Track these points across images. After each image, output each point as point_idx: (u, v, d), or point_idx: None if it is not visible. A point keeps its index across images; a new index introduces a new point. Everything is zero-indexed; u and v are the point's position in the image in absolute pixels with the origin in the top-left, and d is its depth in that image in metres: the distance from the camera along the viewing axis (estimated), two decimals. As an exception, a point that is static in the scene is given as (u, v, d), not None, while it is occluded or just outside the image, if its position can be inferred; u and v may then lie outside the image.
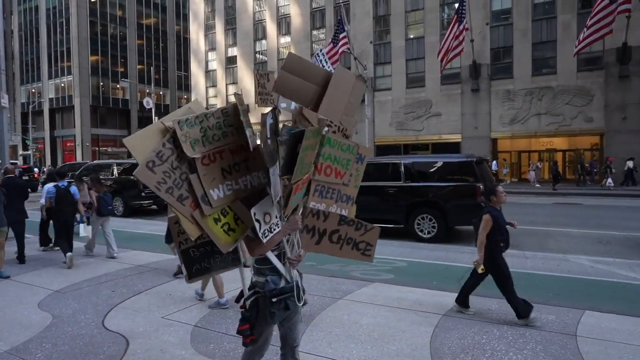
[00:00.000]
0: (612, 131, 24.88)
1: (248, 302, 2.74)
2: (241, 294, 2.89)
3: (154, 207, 15.53)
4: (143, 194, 14.36)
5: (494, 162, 27.21)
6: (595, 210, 14.54)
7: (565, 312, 4.95)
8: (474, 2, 27.32)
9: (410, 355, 3.95)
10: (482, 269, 4.80)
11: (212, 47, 42.52)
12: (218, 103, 41.01)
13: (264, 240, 2.50)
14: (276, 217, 2.57)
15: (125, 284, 6.39)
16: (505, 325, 4.62)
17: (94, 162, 19.13)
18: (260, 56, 39.20)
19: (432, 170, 9.83)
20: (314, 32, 36.26)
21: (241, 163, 2.56)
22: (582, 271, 6.94)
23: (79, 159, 49.84)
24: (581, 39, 20.84)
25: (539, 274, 6.88)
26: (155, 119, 41.46)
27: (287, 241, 2.71)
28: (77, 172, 16.24)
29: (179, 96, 64.52)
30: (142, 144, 2.41)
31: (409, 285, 6.09)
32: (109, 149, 55.78)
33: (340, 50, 25.32)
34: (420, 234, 9.61)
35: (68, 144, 55.65)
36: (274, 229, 2.55)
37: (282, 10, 37.88)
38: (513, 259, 7.88)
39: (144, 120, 56.73)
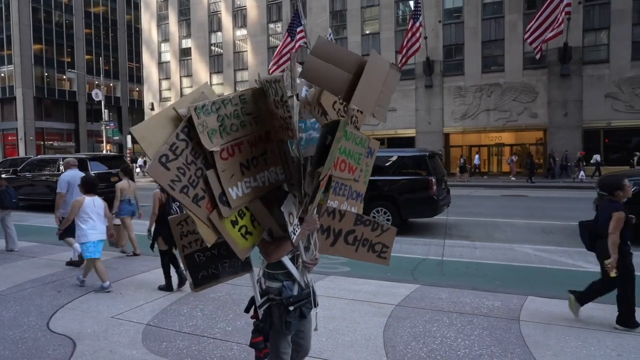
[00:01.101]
0: (555, 127, 26.29)
1: (261, 311, 2.50)
2: (251, 302, 2.67)
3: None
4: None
5: (477, 156, 28.19)
6: (541, 202, 15.34)
7: (510, 299, 5.20)
8: (427, 0, 27.96)
9: (364, 345, 4.04)
10: (616, 273, 4.27)
11: (165, 38, 41.24)
12: (172, 96, 39.91)
13: (294, 242, 2.29)
14: (297, 217, 2.35)
15: (73, 283, 6.13)
16: (455, 313, 4.81)
17: (38, 157, 18.10)
18: (216, 48, 38.43)
19: (386, 164, 10.02)
20: (271, 25, 35.93)
21: (259, 157, 2.30)
22: (526, 259, 7.32)
23: (22, 153, 47.08)
24: (532, 38, 21.70)
25: (487, 263, 7.19)
26: (105, 112, 39.85)
27: (303, 243, 2.51)
28: (19, 168, 15.38)
29: (131, 88, 62.22)
30: (152, 134, 2.09)
31: (364, 278, 6.20)
32: (55, 143, 53.02)
33: (297, 44, 25.24)
34: (375, 226, 9.78)
35: (9, 138, 52.40)
36: (297, 230, 2.31)
37: (238, 3, 37.26)
38: (463, 249, 8.23)
39: (93, 113, 54.35)
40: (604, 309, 4.77)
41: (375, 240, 2.81)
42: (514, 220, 11.24)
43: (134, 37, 60.32)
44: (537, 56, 22.26)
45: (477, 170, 28.06)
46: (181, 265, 4.98)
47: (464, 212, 12.34)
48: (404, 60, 24.87)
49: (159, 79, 41.44)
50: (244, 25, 36.95)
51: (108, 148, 46.96)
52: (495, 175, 28.61)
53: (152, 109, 40.77)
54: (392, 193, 9.66)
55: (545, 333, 4.24)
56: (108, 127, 39.61)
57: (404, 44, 24.69)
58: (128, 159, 31.09)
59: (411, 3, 29.88)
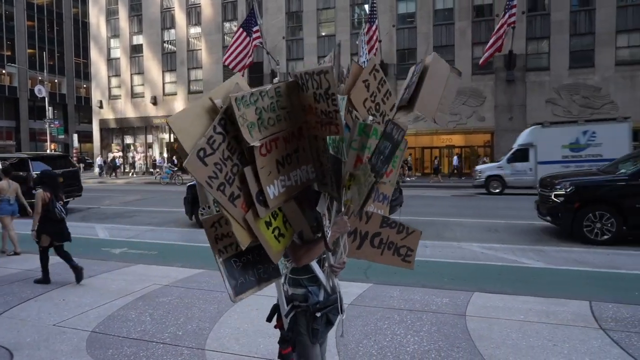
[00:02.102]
0: (501, 130, 27.54)
1: (287, 320, 2.36)
2: (273, 311, 2.52)
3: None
4: (34, 191, 13.02)
5: (455, 157, 28.91)
6: (489, 202, 16.00)
7: (457, 295, 5.40)
8: (381, 4, 28.51)
9: (316, 345, 4.07)
10: None
11: (115, 33, 39.68)
12: (122, 94, 38.48)
13: (330, 245, 2.18)
14: (330, 219, 2.25)
15: (11, 290, 5.80)
16: (405, 310, 4.94)
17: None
18: (169, 46, 37.41)
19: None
20: (226, 24, 35.41)
21: (292, 154, 2.17)
22: (473, 257, 7.63)
23: (-46, 152, 43.85)
24: (485, 49, 22.80)
25: (437, 261, 7.43)
26: (49, 109, 37.84)
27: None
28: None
29: (78, 85, 59.45)
30: (189, 126, 1.94)
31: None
32: (-7, 142, 49.83)
33: (253, 44, 25.03)
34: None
35: (-60, 136, 48.75)
36: (328, 232, 2.19)
37: (192, 0, 36.47)
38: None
39: (36, 109, 51.51)
40: (541, 302, 5.05)
41: (401, 244, 2.73)
42: (463, 220, 11.67)
43: (82, 32, 57.69)
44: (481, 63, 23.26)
45: (455, 172, 28.82)
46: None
47: (415, 212, 12.67)
48: (366, 63, 25.31)
49: (108, 76, 39.81)
50: (198, 23, 36.20)
51: (52, 147, 44.62)
52: (446, 176, 29.59)
53: (101, 107, 39.13)
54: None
55: (490, 327, 4.44)
56: (52, 126, 37.62)
57: (367, 46, 25.19)
58: (74, 159, 29.67)
59: (366, 7, 30.38)
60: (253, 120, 1.99)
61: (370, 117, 2.36)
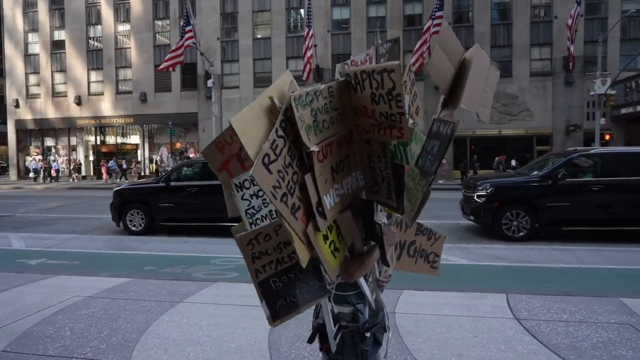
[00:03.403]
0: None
1: (334, 341, 2.16)
2: (316, 331, 2.29)
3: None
4: None
5: None
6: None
7: (387, 293, 5.55)
8: (317, 10, 28.91)
9: (249, 350, 4.04)
10: None
11: (33, 27, 36.82)
12: (41, 92, 35.78)
13: (389, 260, 2.04)
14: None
15: None
16: (337, 310, 5.03)
17: None
18: (95, 43, 35.36)
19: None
20: (158, 22, 34.12)
21: (344, 160, 1.98)
22: (403, 256, 7.93)
23: None
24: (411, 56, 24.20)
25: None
26: (-46, 108, 34.27)
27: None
28: None
29: (-11, 82, 54.42)
30: (252, 127, 1.73)
31: (251, 282, 6.17)
32: None
33: (185, 44, 24.37)
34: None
35: None
36: (387, 245, 2.06)
37: (120, -5, 34.78)
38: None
39: (-62, 109, 46.44)
40: (464, 297, 5.37)
41: (430, 250, 2.65)
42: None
43: (-7, 24, 52.92)
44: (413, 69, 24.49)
45: None
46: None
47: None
48: (305, 67, 25.71)
49: (26, 73, 36.83)
50: (127, 20, 34.56)
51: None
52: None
53: (17, 106, 36.11)
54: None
55: (417, 323, 4.64)
56: (-42, 126, 34.18)
57: (305, 50, 25.56)
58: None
59: (302, 11, 30.65)
60: (309, 122, 1.80)
61: (411, 121, 2.19)
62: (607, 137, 24.85)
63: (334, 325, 2.17)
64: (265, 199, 2.12)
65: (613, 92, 23.85)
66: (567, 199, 9.13)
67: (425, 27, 24.28)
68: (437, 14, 24.32)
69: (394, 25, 29.69)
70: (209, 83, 27.11)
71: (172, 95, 33.12)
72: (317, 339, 2.29)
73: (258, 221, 2.13)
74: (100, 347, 4.13)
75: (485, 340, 4.20)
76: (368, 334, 2.14)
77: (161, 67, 24.69)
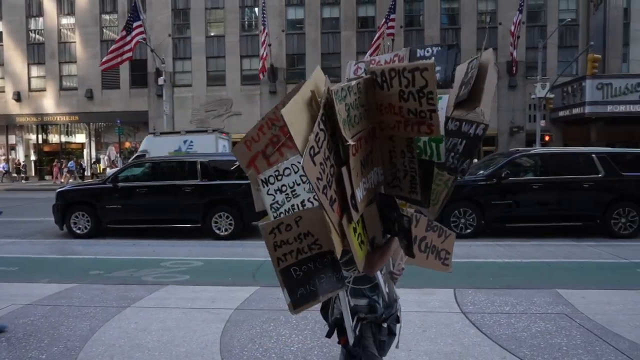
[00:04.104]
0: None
1: (353, 334, 2.20)
2: (334, 325, 2.32)
3: None
4: None
5: None
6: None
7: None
8: (271, 9, 28.75)
9: (199, 354, 3.97)
10: None
11: (-36, 17, 34.30)
12: (-26, 88, 33.37)
13: (415, 252, 2.08)
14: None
15: None
16: (291, 310, 5.04)
17: None
18: (36, 36, 33.42)
19: (228, 168, 10.01)
20: (105, 17, 32.74)
21: (369, 155, 2.06)
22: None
23: None
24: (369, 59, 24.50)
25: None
26: None
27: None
28: None
29: None
30: (297, 120, 1.76)
31: (204, 284, 6.09)
32: None
33: (135, 40, 23.52)
34: (217, 231, 9.69)
35: None
36: (414, 239, 2.15)
37: (63, -13, 33.06)
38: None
39: None
40: (415, 293, 5.53)
41: (441, 247, 2.69)
42: None
43: None
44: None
45: None
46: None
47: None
48: (262, 68, 25.48)
49: (-43, 66, 34.29)
50: (71, 12, 32.91)
51: None
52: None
53: (-53, 102, 33.53)
54: (235, 197, 9.67)
55: (368, 320, 4.73)
56: None
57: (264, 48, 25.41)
58: None
59: (256, 10, 30.39)
60: (344, 117, 1.85)
61: None
62: (547, 138, 26.30)
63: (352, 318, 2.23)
64: (288, 194, 2.21)
65: (552, 95, 25.30)
66: (510, 197, 9.60)
67: (379, 30, 24.76)
68: (391, 16, 24.89)
69: (348, 26, 30.04)
70: (160, 81, 26.27)
71: (121, 92, 31.91)
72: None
73: (281, 215, 2.22)
74: (40, 357, 3.92)
75: (434, 334, 4.35)
76: (385, 325, 2.24)
77: (105, 66, 23.71)
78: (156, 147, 18.18)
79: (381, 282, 2.29)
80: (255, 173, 2.29)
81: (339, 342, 2.31)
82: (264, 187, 2.22)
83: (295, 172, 2.17)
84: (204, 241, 9.46)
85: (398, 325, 2.37)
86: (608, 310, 4.89)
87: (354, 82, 1.90)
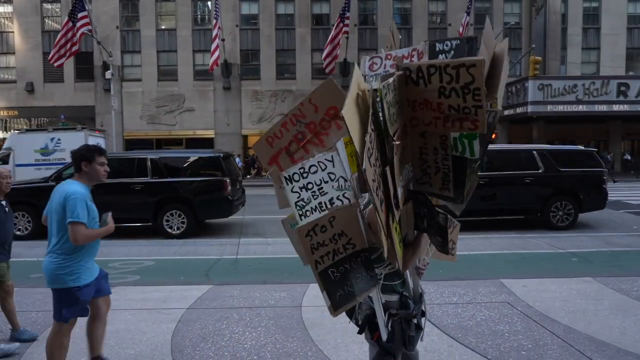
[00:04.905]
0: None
1: (386, 329, 2.23)
2: (365, 322, 2.33)
3: None
4: None
5: (237, 158, 28.93)
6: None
7: (295, 288, 5.69)
8: (224, 3, 28.23)
9: (149, 355, 3.88)
10: None
11: None
12: None
13: (450, 250, 2.10)
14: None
15: None
16: (244, 308, 5.02)
17: None
18: (-33, 24, 31.11)
19: (180, 165, 9.79)
20: (46, 6, 30.91)
21: (402, 153, 2.02)
22: (311, 251, 8.11)
23: None
24: (325, 55, 24.71)
25: (279, 257, 7.70)
26: None
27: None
28: None
29: None
30: (353, 120, 1.71)
31: (155, 284, 5.94)
32: None
33: (80, 32, 22.47)
34: (169, 230, 9.45)
35: None
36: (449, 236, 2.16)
37: (-2, -28, 30.95)
38: (257, 246, 8.61)
39: None
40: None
41: (449, 237, 2.72)
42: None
43: None
44: (327, 70, 25.14)
45: None
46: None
47: (260, 211, 12.91)
48: (212, 63, 24.94)
49: None
50: (8, 0, 30.87)
51: None
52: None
53: None
54: (187, 195, 9.47)
55: (322, 314, 4.76)
56: None
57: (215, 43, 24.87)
58: None
59: (209, 3, 29.75)
60: (387, 116, 1.83)
61: None
62: (494, 135, 27.48)
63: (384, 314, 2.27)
64: (314, 192, 2.18)
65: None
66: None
67: (336, 28, 24.88)
68: (345, 14, 25.13)
69: (302, 24, 30.01)
70: (108, 74, 25.16)
71: (65, 86, 30.30)
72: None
73: (307, 213, 2.17)
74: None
75: (385, 326, 4.46)
76: (415, 320, 2.29)
77: (58, 62, 22.54)
78: (22, 144, 17.74)
79: (409, 278, 2.36)
80: (278, 170, 2.28)
81: (372, 338, 2.34)
82: (287, 184, 2.19)
83: (323, 170, 2.13)
84: (155, 240, 9.20)
85: (423, 319, 2.43)
86: (546, 298, 5.21)
87: (391, 80, 1.86)
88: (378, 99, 1.80)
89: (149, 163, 9.50)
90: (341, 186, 2.09)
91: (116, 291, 5.63)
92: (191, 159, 9.90)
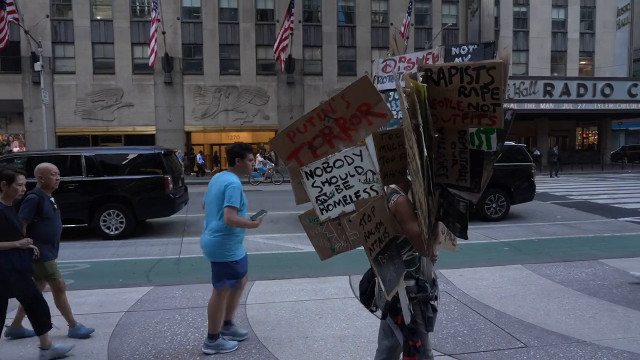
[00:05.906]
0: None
1: (410, 312, 2.39)
2: (387, 307, 2.47)
3: None
4: None
5: (199, 155, 28.12)
6: (270, 195, 17.06)
7: (239, 286, 5.63)
8: (164, -6, 27.27)
9: (84, 362, 3.71)
10: None
11: None
12: None
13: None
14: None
15: None
16: (187, 308, 4.91)
17: None
18: None
19: (117, 163, 9.37)
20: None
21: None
22: (256, 248, 8.05)
23: None
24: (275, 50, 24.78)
25: (222, 256, 7.57)
26: None
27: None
28: None
29: None
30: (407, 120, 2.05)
31: (91, 288, 5.66)
32: None
33: (7, 20, 20.87)
34: (107, 231, 9.02)
35: None
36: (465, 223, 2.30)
37: None
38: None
39: None
40: (312, 282, 5.70)
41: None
42: (249, 213, 12.14)
43: None
44: (281, 67, 25.10)
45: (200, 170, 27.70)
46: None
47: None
48: (151, 55, 23.98)
49: None
50: None
51: None
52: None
53: None
54: (125, 193, 9.08)
55: (267, 311, 4.78)
56: None
57: (152, 38, 23.90)
58: None
59: (148, -6, 28.56)
60: (426, 111, 2.01)
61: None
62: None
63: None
64: (339, 186, 2.23)
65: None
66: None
67: (282, 24, 24.79)
68: (292, 11, 25.10)
69: (247, 19, 29.58)
70: (37, 66, 23.43)
71: (-13, 78, 28.03)
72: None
73: (330, 207, 2.24)
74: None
75: (330, 320, 4.54)
76: (433, 302, 2.46)
77: None
78: None
79: (425, 264, 2.50)
80: (298, 165, 2.29)
81: (395, 322, 2.48)
82: (308, 179, 2.23)
83: (350, 164, 2.20)
84: (91, 242, 8.74)
85: (436, 303, 2.56)
86: (480, 285, 5.51)
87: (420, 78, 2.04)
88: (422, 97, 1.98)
89: (83, 160, 9.00)
90: (369, 179, 2.20)
91: (46, 297, 5.34)
92: (130, 156, 9.49)
